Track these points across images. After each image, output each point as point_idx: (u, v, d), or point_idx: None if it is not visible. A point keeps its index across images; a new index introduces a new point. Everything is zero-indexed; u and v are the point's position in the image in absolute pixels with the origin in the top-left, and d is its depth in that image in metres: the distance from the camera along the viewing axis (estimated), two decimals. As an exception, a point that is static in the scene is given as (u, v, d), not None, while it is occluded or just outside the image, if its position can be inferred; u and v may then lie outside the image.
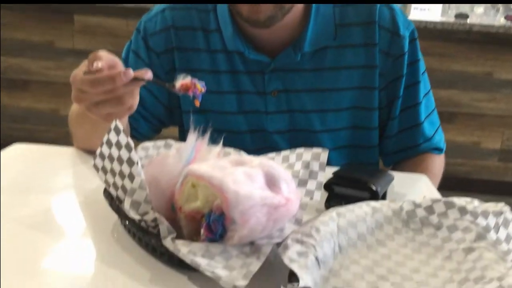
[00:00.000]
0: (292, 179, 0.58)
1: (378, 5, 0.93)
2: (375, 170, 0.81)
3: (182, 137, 1.04)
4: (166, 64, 0.97)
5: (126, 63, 0.98)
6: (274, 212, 0.53)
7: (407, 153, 1.00)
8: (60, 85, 2.95)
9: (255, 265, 0.51)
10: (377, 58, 0.92)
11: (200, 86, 0.65)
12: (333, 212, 0.60)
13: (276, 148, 0.85)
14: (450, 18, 2.71)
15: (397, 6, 0.96)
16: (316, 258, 0.53)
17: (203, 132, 0.64)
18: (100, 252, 0.61)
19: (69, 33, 2.89)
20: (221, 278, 0.50)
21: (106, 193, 0.66)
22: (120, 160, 0.61)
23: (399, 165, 1.03)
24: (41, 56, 2.96)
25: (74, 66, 0.69)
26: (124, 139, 0.60)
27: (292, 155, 0.70)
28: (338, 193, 0.73)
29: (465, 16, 2.71)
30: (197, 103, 0.67)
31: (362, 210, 0.62)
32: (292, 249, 0.52)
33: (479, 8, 2.86)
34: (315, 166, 0.68)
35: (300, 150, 0.70)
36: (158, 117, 1.01)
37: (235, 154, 0.74)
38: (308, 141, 0.96)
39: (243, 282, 0.49)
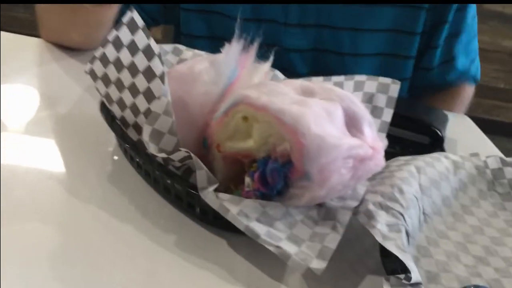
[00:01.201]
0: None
1: None
2: (430, 109, 0.67)
3: (178, 41, 0.85)
4: None
5: None
6: (360, 166, 0.38)
7: (440, 87, 0.87)
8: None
9: (332, 239, 0.37)
10: None
11: None
12: (411, 166, 0.46)
13: (289, 70, 0.68)
14: None
15: None
16: (407, 232, 0.39)
17: (250, 42, 0.46)
18: (94, 192, 0.45)
19: None
20: (290, 256, 0.35)
21: (105, 110, 0.48)
22: (133, 69, 0.43)
23: (427, 98, 0.89)
24: None
25: None
26: (143, 39, 0.42)
27: (348, 82, 0.55)
28: (392, 135, 0.59)
29: None
30: None
31: (443, 165, 0.49)
32: (380, 219, 0.39)
33: None
34: (381, 100, 0.52)
35: (360, 77, 0.54)
36: (151, 14, 0.81)
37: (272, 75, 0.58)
38: (330, 65, 0.80)
39: (321, 264, 0.35)
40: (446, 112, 0.67)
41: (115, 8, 0.66)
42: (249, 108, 0.39)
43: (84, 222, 0.41)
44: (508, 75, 2.70)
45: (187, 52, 0.61)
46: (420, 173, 0.46)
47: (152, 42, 0.42)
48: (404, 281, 0.33)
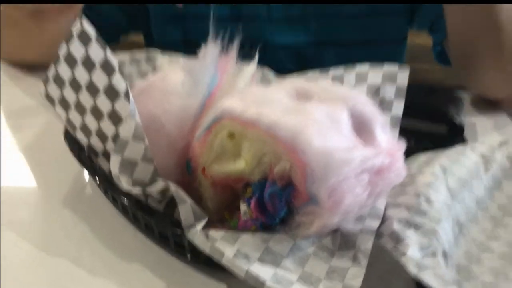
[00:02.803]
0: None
1: None
2: (441, 90, 0.59)
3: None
4: None
5: None
6: (377, 181, 0.31)
7: None
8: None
9: (354, 274, 0.30)
10: None
11: None
12: (435, 166, 0.39)
13: (278, 67, 0.59)
14: None
15: None
16: (444, 253, 0.32)
17: (229, 41, 0.39)
18: (69, 235, 0.38)
19: None
20: (307, 306, 0.28)
21: (70, 138, 0.41)
22: (92, 89, 0.36)
23: None
24: None
25: None
26: (98, 52, 0.35)
27: (349, 75, 0.47)
28: (406, 127, 0.51)
29: None
30: None
31: (470, 160, 0.41)
32: (409, 241, 0.31)
33: None
34: (389, 92, 0.45)
35: (362, 68, 0.47)
36: (116, 25, 0.73)
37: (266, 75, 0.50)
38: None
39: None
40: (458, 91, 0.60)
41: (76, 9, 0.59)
42: (234, 123, 0.32)
43: (61, 272, 0.34)
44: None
45: (162, 59, 0.54)
46: (446, 174, 0.39)
47: (109, 54, 0.34)
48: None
